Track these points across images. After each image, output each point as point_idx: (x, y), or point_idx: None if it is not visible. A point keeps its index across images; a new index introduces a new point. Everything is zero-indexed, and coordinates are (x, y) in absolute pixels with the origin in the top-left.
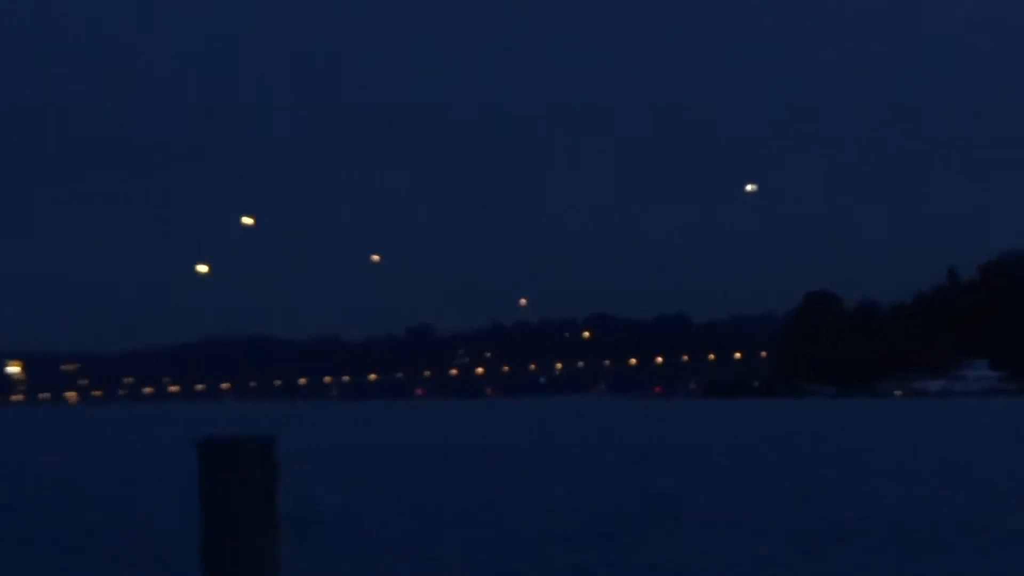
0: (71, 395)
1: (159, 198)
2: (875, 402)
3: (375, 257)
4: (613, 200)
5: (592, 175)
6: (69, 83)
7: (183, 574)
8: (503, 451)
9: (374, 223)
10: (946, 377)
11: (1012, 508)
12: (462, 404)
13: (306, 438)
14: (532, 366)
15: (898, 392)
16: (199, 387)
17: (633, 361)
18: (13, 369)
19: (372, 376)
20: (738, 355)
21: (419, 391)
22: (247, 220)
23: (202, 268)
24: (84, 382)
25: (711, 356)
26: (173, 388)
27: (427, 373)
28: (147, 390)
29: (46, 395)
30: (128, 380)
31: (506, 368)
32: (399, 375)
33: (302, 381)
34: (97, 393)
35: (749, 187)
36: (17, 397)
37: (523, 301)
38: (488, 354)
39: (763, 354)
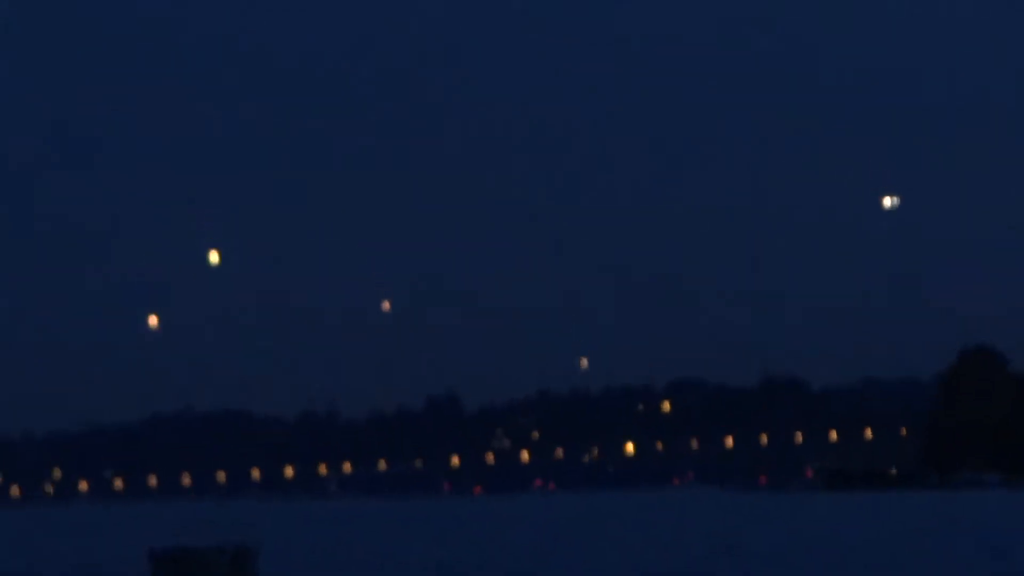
0: None
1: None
2: None
3: (386, 304)
4: None
5: None
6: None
7: None
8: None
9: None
10: None
11: None
12: (508, 502)
13: (296, 550)
14: (594, 450)
15: None
16: (151, 481)
17: (730, 441)
18: None
19: (382, 464)
20: (869, 432)
21: (446, 486)
22: (213, 257)
23: (152, 320)
24: None
25: (833, 434)
26: (117, 483)
27: (455, 460)
28: (82, 486)
29: None
30: (56, 473)
31: (560, 452)
32: (418, 463)
33: (289, 472)
34: (15, 491)
35: (888, 201)
36: None
37: (584, 362)
38: (535, 434)
39: (903, 431)
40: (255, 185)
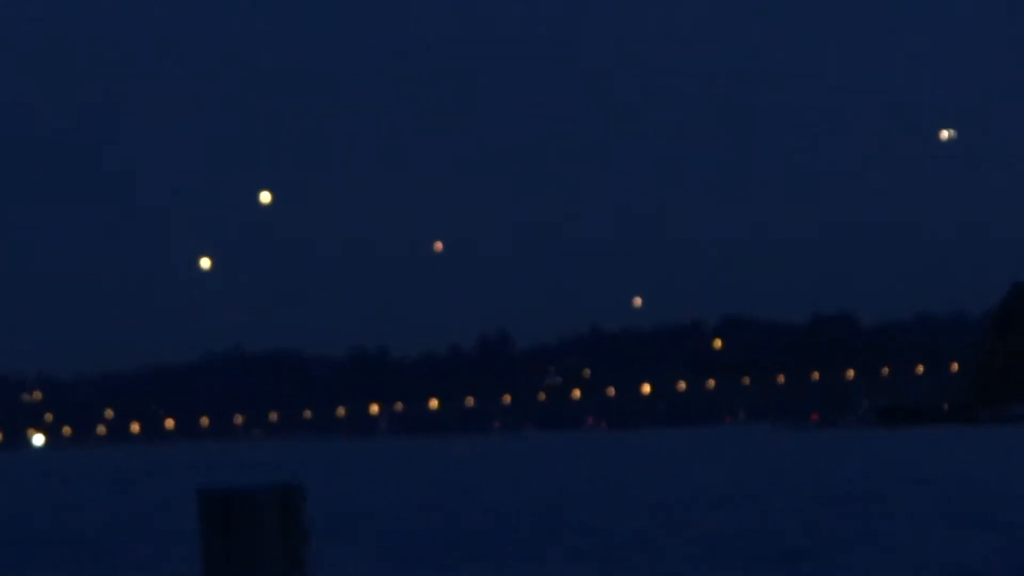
0: (36, 435)
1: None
2: None
3: (438, 244)
4: None
5: None
6: None
7: None
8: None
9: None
10: None
11: None
12: (561, 439)
13: (346, 492)
14: (646, 387)
15: None
16: (203, 421)
17: (781, 378)
18: None
19: (433, 403)
20: (921, 368)
21: (497, 424)
22: (265, 197)
23: (205, 263)
24: (49, 417)
25: (885, 370)
26: (169, 423)
27: (506, 399)
28: (134, 427)
29: None
30: (108, 414)
31: (611, 390)
32: (469, 402)
33: (340, 411)
34: (67, 431)
35: (945, 133)
36: None
37: (637, 301)
38: (587, 371)
39: (955, 366)
40: None
